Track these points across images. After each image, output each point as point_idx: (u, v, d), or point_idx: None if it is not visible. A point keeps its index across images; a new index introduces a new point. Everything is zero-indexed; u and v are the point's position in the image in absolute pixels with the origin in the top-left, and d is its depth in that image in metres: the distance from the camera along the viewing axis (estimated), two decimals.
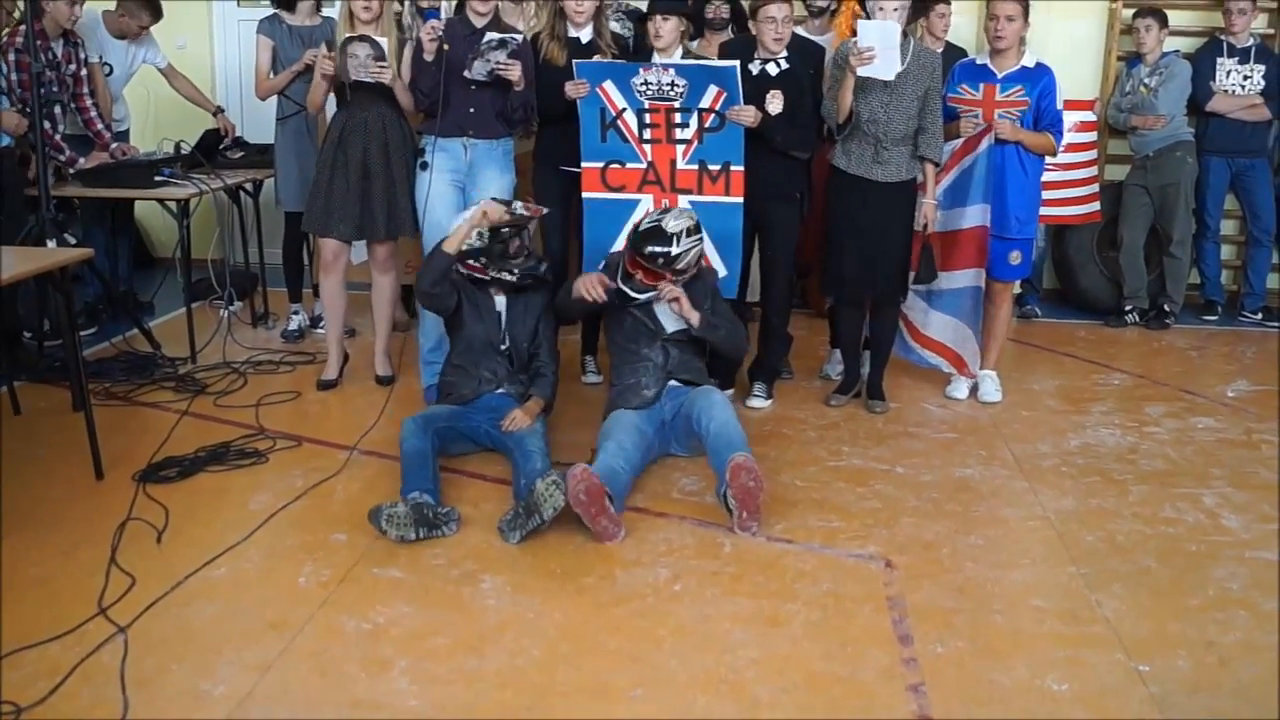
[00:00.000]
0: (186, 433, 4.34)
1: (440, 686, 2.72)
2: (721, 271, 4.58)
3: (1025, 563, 3.47)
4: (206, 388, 4.88)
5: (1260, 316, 6.58)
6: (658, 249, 4.06)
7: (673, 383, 4.15)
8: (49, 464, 4.03)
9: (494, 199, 4.27)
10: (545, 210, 4.37)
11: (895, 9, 4.40)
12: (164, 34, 6.27)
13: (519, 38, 4.45)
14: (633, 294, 4.16)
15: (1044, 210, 5.28)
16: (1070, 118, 5.58)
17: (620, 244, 4.50)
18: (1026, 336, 6.06)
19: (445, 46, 4.42)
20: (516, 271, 4.20)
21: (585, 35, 4.79)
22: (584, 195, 4.69)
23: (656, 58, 4.64)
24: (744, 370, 4.94)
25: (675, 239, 4.06)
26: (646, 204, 4.62)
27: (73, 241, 4.79)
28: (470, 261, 4.17)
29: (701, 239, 4.18)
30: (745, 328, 4.72)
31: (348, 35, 4.61)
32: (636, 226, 4.22)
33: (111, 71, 5.93)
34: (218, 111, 6.17)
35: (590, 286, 4.14)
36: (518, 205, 4.22)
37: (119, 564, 3.26)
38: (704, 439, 3.83)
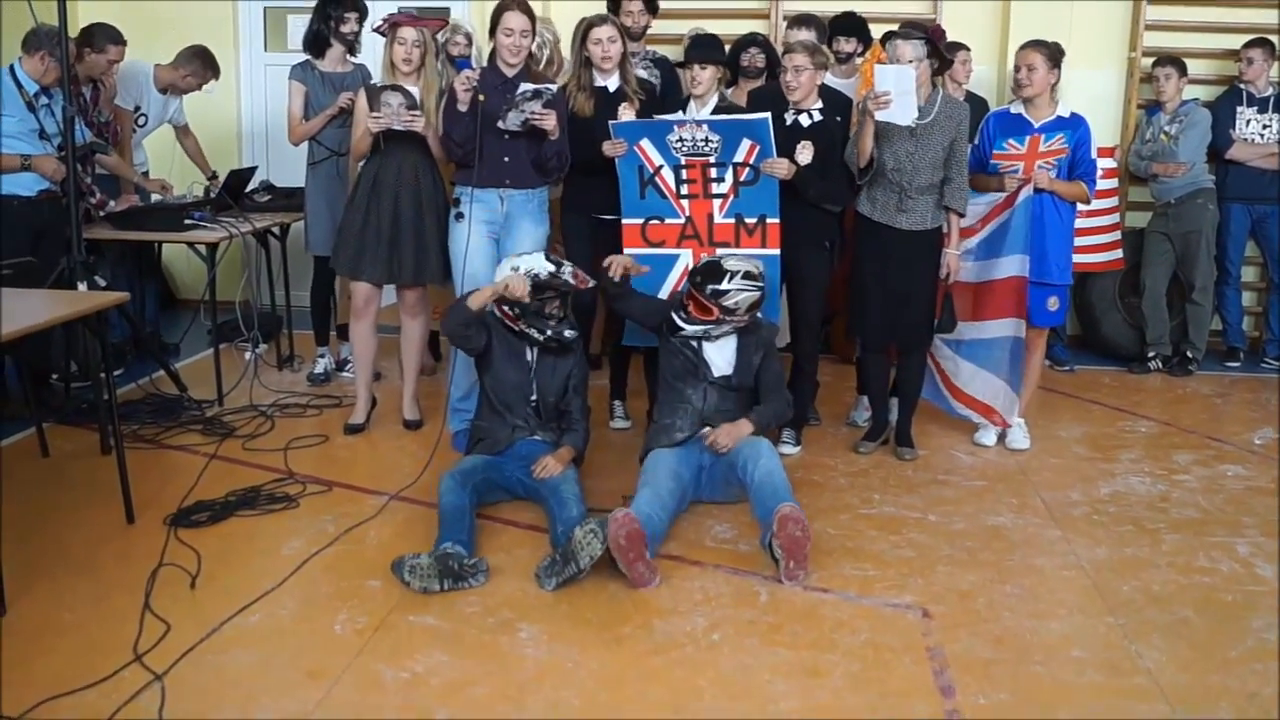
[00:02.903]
0: (216, 476, 4.35)
1: None
2: None
3: (1063, 613, 3.44)
4: (234, 431, 4.89)
5: None
6: (709, 281, 4.13)
7: (707, 429, 4.15)
8: (79, 507, 4.03)
9: (538, 260, 4.20)
10: (592, 283, 4.33)
11: (912, 59, 4.43)
12: None
13: (553, 88, 4.48)
14: (680, 323, 4.19)
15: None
16: (1100, 161, 5.60)
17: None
18: (1051, 383, 6.04)
19: (481, 97, 4.45)
20: (546, 331, 4.18)
21: (612, 84, 4.84)
22: (625, 251, 4.69)
23: (693, 105, 4.68)
24: None
25: (730, 276, 4.12)
26: (686, 259, 4.66)
27: (103, 284, 4.81)
28: (505, 309, 4.17)
29: (761, 289, 4.19)
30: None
31: (380, 85, 4.67)
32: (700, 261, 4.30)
33: (146, 123, 5.99)
34: (212, 177, 6.23)
35: (618, 265, 4.22)
36: (566, 270, 4.18)
37: (153, 610, 3.25)
38: (748, 486, 3.82)
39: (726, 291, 4.12)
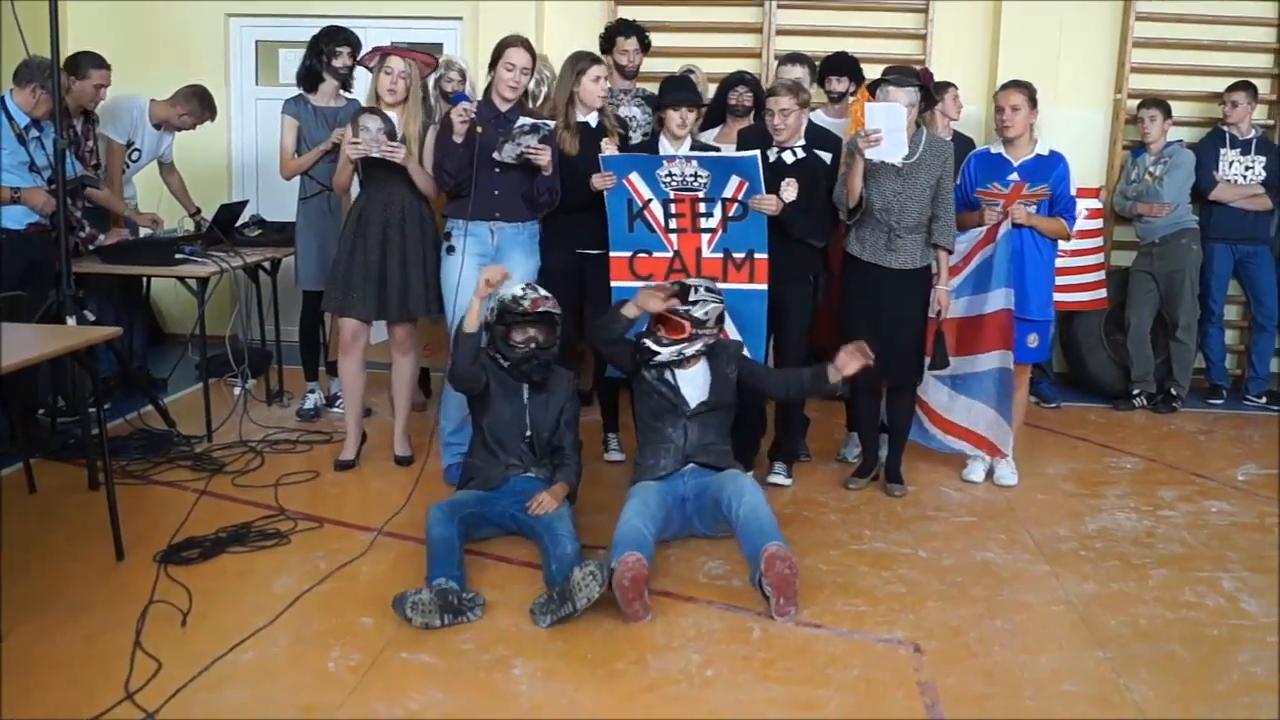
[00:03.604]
0: (205, 513, 4.33)
1: None
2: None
3: (1052, 647, 3.46)
4: (224, 467, 4.88)
5: (1264, 400, 6.64)
6: (678, 299, 4.19)
7: (691, 465, 4.17)
8: (68, 544, 4.01)
9: (511, 286, 4.26)
10: (544, 309, 4.23)
11: (906, 104, 4.48)
12: None
13: (551, 124, 4.52)
14: (656, 348, 4.21)
15: (1053, 296, 5.35)
16: (1079, 205, 5.67)
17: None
18: (1038, 420, 6.08)
19: (479, 129, 4.48)
20: (513, 359, 4.19)
21: (594, 120, 4.90)
22: (613, 284, 4.76)
23: (668, 144, 4.73)
24: (762, 452, 4.97)
25: (694, 290, 4.22)
26: None
27: (92, 318, 4.80)
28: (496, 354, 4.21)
29: (722, 300, 4.28)
30: (764, 408, 4.80)
31: (359, 109, 4.68)
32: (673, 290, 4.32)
33: (139, 158, 6.01)
34: (196, 213, 6.26)
35: (650, 297, 4.19)
36: (527, 297, 4.18)
37: (144, 647, 3.23)
38: (734, 523, 3.83)
39: (695, 303, 4.19)
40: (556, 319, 4.25)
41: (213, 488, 4.62)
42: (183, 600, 3.55)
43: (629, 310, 4.22)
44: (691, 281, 4.28)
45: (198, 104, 6.01)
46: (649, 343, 4.22)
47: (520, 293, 4.19)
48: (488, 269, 4.21)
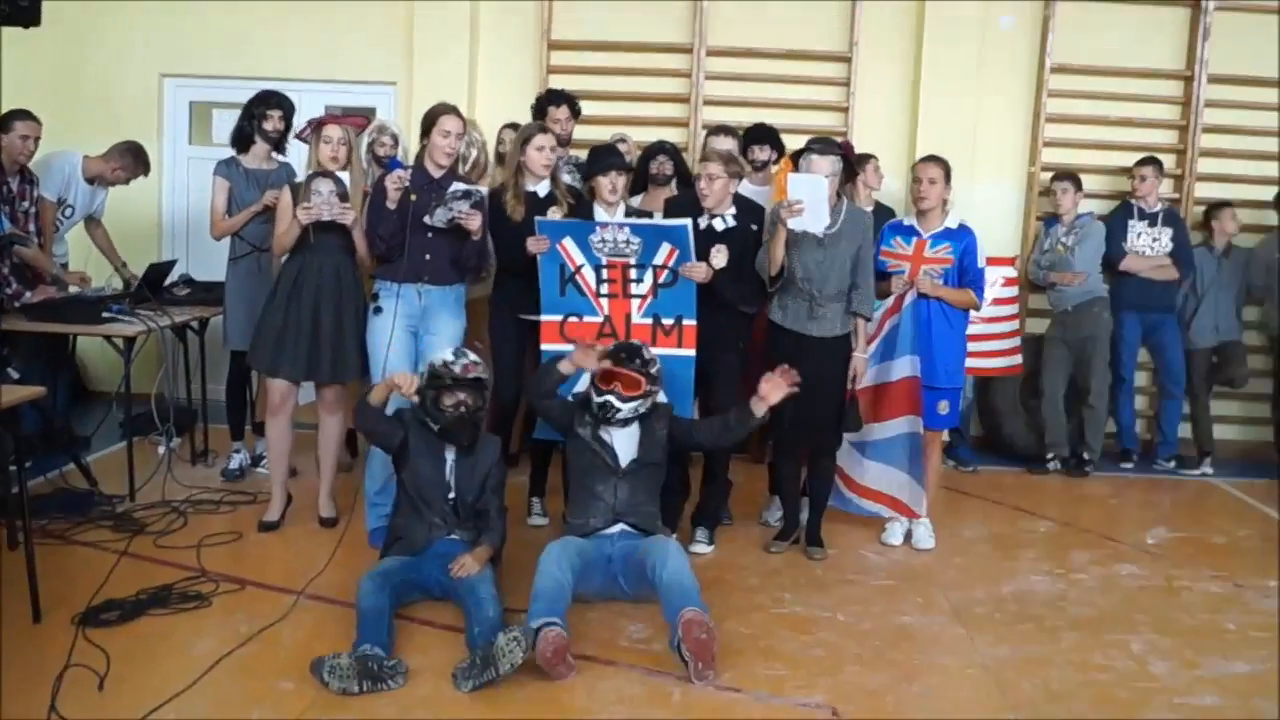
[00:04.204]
0: (126, 574, 4.27)
1: None
2: None
3: (967, 711, 3.55)
4: (145, 527, 4.83)
5: (1173, 464, 6.84)
6: (634, 356, 4.37)
7: (622, 525, 4.23)
8: None
9: (443, 351, 4.37)
10: (474, 375, 4.29)
11: (825, 170, 4.64)
12: None
13: (483, 190, 4.65)
14: (618, 404, 4.30)
15: (970, 362, 5.52)
16: (994, 273, 5.86)
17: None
18: (955, 483, 6.22)
19: (413, 196, 4.56)
20: (438, 423, 4.24)
21: (543, 189, 5.00)
22: (542, 347, 4.84)
23: (602, 211, 4.84)
24: (685, 515, 5.03)
25: (643, 348, 4.43)
26: None
27: (15, 376, 4.76)
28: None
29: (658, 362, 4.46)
30: (687, 472, 4.88)
31: (311, 172, 4.75)
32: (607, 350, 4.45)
33: (73, 214, 6.00)
34: (123, 265, 6.26)
35: (586, 355, 4.37)
36: (458, 362, 4.24)
37: (59, 713, 3.19)
38: (656, 587, 3.88)
39: (649, 360, 4.36)
40: (485, 384, 4.30)
41: (134, 548, 4.58)
42: (101, 664, 3.51)
43: (564, 366, 4.38)
44: (637, 343, 4.46)
45: (131, 159, 6.02)
46: (612, 399, 4.31)
47: (451, 358, 4.25)
48: (400, 376, 4.28)
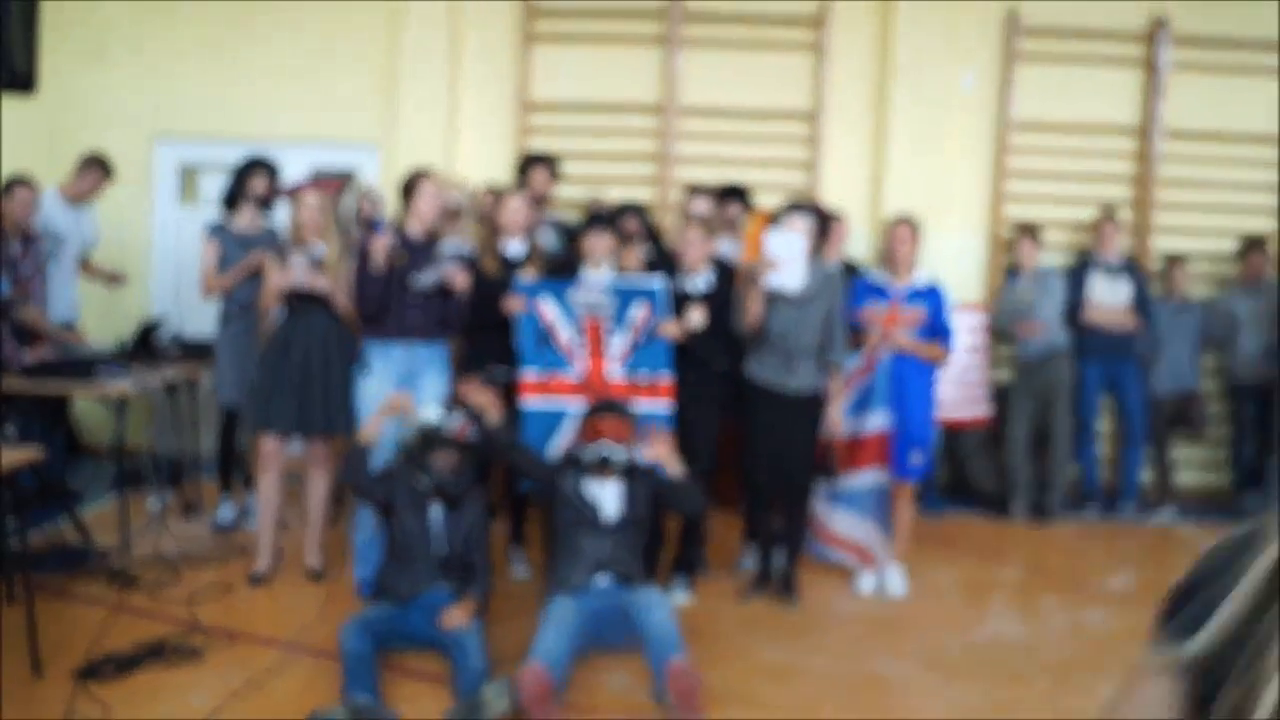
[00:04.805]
0: (121, 627, 4.40)
1: None
2: None
3: None
4: (139, 580, 4.94)
5: (1135, 509, 6.99)
6: (618, 407, 4.59)
7: (604, 575, 4.36)
8: None
9: (432, 410, 4.54)
10: (464, 434, 4.52)
11: (801, 229, 4.82)
12: (107, 227, 6.59)
13: (467, 248, 4.80)
14: (612, 459, 4.44)
15: (940, 412, 5.70)
16: (966, 320, 6.04)
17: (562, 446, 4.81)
18: (924, 530, 6.30)
19: (400, 259, 4.74)
20: (430, 481, 4.39)
21: (515, 248, 5.17)
22: (522, 401, 4.98)
23: (589, 269, 5.00)
24: (662, 563, 5.14)
25: (625, 403, 4.60)
26: (576, 411, 4.91)
27: (13, 434, 4.87)
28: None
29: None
30: (661, 522, 5.05)
31: (285, 243, 4.95)
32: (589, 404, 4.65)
33: (64, 245, 6.15)
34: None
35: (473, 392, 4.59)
36: (451, 421, 4.46)
37: None
38: (641, 635, 4.02)
39: (627, 410, 4.57)
40: (475, 445, 4.47)
41: (128, 601, 4.69)
42: (100, 716, 3.62)
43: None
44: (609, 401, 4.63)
45: (98, 168, 6.25)
46: (604, 452, 4.45)
47: (446, 419, 4.41)
48: (399, 395, 4.46)
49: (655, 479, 4.59)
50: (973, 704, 4.09)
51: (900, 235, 5.25)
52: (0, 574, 4.65)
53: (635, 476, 4.52)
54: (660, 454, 4.50)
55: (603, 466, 4.45)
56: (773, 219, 5.05)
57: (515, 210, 5.17)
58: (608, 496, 4.48)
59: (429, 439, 4.38)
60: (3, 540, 4.61)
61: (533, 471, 4.68)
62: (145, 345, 5.91)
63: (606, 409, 4.57)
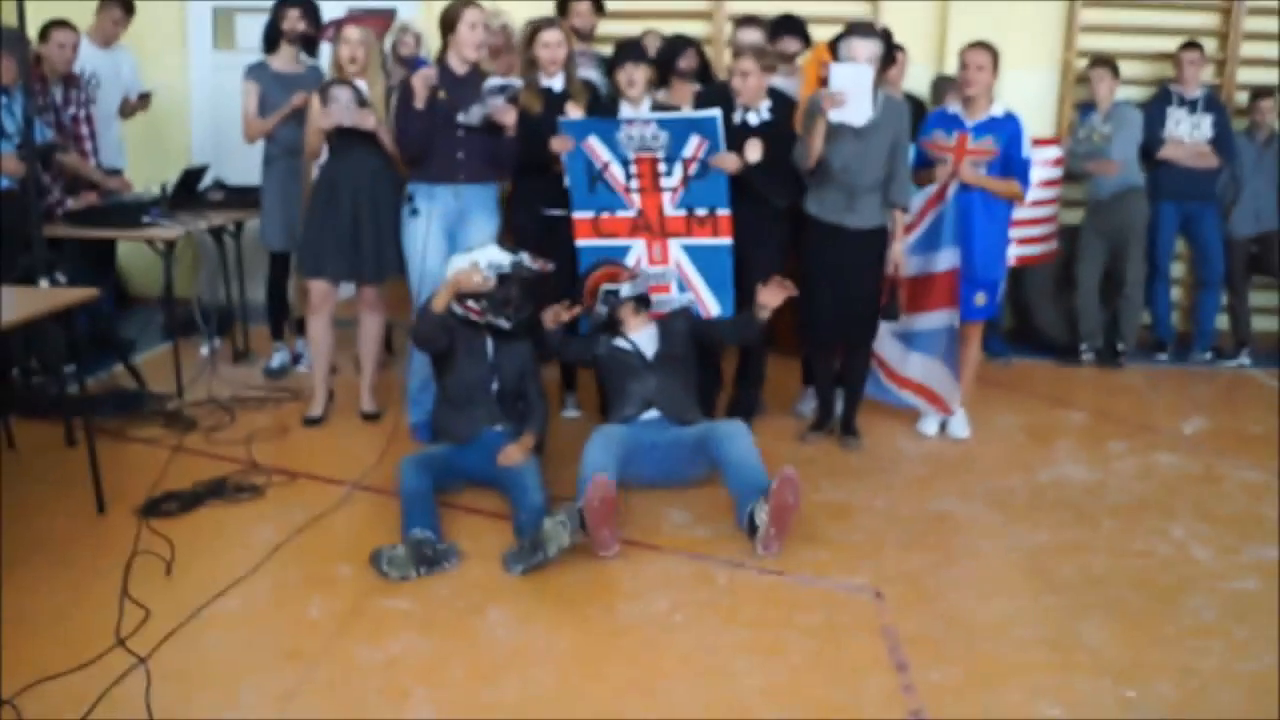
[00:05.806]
0: (181, 467, 4.41)
1: (461, 715, 2.81)
2: (714, 310, 4.81)
3: (1007, 593, 3.61)
4: (196, 423, 4.94)
5: (1209, 356, 6.82)
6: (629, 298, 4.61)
7: (658, 412, 4.33)
8: (50, 499, 4.07)
9: (495, 252, 4.35)
10: (552, 267, 4.48)
11: (868, 56, 4.53)
12: (144, 76, 6.45)
13: (518, 84, 4.60)
14: (628, 292, 4.54)
15: (1009, 250, 5.47)
16: (1039, 154, 5.75)
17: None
18: (988, 375, 6.19)
19: (441, 94, 4.54)
20: (511, 320, 4.32)
21: (558, 84, 4.95)
22: (578, 243, 4.85)
23: (626, 106, 4.80)
24: (719, 407, 5.07)
25: (631, 287, 4.66)
26: (638, 249, 4.81)
27: (64, 281, 4.82)
28: (469, 303, 4.28)
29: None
30: (720, 365, 5.01)
31: (328, 80, 4.76)
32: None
33: (100, 82, 6.01)
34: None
35: (556, 315, 4.51)
36: (525, 258, 4.33)
37: (131, 596, 3.32)
38: (723, 465, 3.98)
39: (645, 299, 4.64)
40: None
41: (186, 444, 4.69)
42: (165, 551, 3.65)
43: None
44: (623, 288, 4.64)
45: (117, 6, 6.07)
46: (623, 289, 4.57)
47: (515, 257, 4.33)
48: (464, 275, 4.26)
49: (689, 316, 4.57)
50: (1038, 543, 4.01)
51: (977, 60, 4.88)
52: (61, 417, 4.67)
53: (669, 319, 4.51)
54: (766, 300, 4.40)
55: (613, 305, 4.54)
56: (833, 45, 4.80)
57: (553, 44, 4.90)
58: (644, 339, 4.46)
59: (517, 274, 4.30)
60: (62, 385, 4.61)
61: (581, 358, 4.71)
62: (189, 191, 5.81)
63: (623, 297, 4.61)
